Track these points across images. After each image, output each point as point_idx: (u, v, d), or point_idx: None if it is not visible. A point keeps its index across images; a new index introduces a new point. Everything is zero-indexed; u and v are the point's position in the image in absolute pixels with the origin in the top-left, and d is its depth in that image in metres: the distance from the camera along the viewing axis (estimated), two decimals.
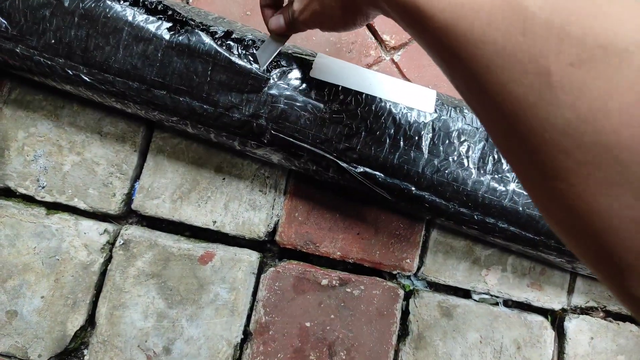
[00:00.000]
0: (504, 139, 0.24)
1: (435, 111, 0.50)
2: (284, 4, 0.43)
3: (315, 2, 0.37)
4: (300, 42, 0.61)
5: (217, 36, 0.48)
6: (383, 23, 0.61)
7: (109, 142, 0.57)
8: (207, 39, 0.48)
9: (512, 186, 0.48)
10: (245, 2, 0.61)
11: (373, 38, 0.62)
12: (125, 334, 0.54)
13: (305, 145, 0.49)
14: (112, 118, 0.58)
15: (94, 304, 0.56)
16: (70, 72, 0.49)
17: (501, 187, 0.48)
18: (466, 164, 0.49)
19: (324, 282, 0.56)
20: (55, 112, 0.58)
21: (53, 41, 0.49)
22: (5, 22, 0.49)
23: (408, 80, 0.60)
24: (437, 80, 0.60)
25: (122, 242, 0.56)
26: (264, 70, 0.48)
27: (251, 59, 0.48)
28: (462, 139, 0.49)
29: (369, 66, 0.60)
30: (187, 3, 0.61)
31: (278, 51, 0.46)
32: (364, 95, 0.49)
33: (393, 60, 0.61)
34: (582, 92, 0.19)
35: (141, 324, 0.55)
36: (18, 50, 0.50)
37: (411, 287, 0.57)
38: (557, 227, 0.23)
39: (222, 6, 0.61)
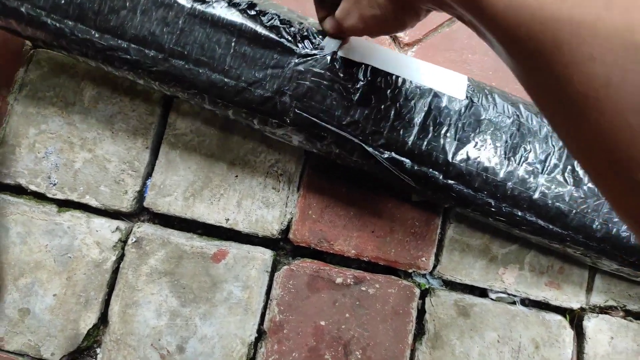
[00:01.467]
0: (575, 134, 0.22)
1: (467, 97, 0.47)
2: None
3: (359, 5, 0.34)
4: None
5: (240, 7, 0.45)
6: None
7: (121, 138, 0.57)
8: (232, 8, 0.45)
9: (542, 179, 0.47)
10: None
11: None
12: (138, 333, 0.54)
13: (330, 127, 0.46)
14: (123, 115, 0.57)
15: (107, 302, 0.55)
16: (81, 36, 0.46)
17: (531, 179, 0.47)
18: (497, 154, 0.47)
19: (339, 280, 0.55)
20: (66, 108, 0.57)
21: (62, 1, 0.45)
22: None
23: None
24: None
25: (134, 239, 0.56)
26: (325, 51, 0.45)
27: (277, 31, 0.46)
28: (493, 128, 0.47)
29: None
30: None
31: (339, 46, 0.45)
32: (393, 77, 0.46)
33: None
34: None
35: (154, 323, 0.54)
36: (23, 10, 0.45)
37: (427, 286, 0.56)
38: (634, 225, 0.21)
39: None
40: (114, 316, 0.55)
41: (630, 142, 0.18)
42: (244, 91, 0.46)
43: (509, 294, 0.56)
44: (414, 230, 0.56)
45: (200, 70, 0.46)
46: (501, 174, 0.47)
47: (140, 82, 0.50)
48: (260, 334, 0.55)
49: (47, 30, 0.46)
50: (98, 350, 0.55)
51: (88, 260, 0.55)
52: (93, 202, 0.56)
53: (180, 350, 0.54)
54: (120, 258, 0.56)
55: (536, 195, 0.47)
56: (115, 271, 0.56)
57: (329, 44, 0.45)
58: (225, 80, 0.46)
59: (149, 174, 0.57)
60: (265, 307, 0.55)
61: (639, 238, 0.22)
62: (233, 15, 0.45)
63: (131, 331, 0.54)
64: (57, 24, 0.46)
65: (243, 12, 0.46)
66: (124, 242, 0.56)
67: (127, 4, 0.45)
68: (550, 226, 0.48)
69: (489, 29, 0.25)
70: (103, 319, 0.55)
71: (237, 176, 0.57)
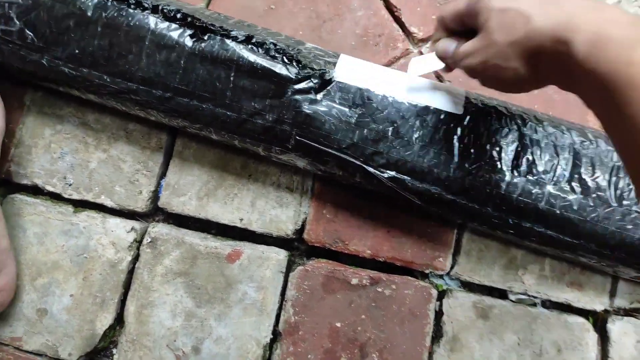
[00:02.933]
0: None
1: (466, 111, 0.47)
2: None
3: (488, 52, 0.33)
4: (325, 34, 0.59)
5: (238, 40, 0.48)
6: (410, 14, 0.59)
7: (135, 138, 0.57)
8: (229, 44, 0.47)
9: (549, 188, 0.46)
10: None
11: (400, 30, 0.59)
12: (154, 333, 0.54)
13: (331, 151, 0.47)
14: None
15: (122, 303, 0.55)
16: (95, 82, 0.49)
17: (537, 190, 0.46)
18: (499, 166, 0.46)
19: (354, 281, 0.54)
20: (81, 108, 0.57)
21: (77, 51, 0.49)
22: (32, 34, 0.49)
23: (437, 73, 0.57)
24: None
25: (149, 240, 0.56)
26: (411, 74, 0.46)
27: (273, 62, 0.47)
28: (493, 140, 0.47)
29: (396, 59, 0.58)
30: (207, 7, 0.59)
31: (433, 70, 0.44)
32: (389, 97, 0.47)
33: (421, 53, 0.58)
34: None
35: (169, 323, 0.54)
36: (44, 62, 0.50)
37: (444, 287, 0.55)
38: None
39: (245, 0, 0.59)
40: (130, 316, 0.55)
41: None
42: (246, 122, 0.48)
43: (529, 296, 0.55)
44: (431, 230, 0.55)
45: (204, 106, 0.48)
46: (505, 186, 0.46)
47: (151, 118, 0.53)
48: (276, 335, 0.54)
49: (65, 77, 0.50)
50: (114, 350, 0.55)
51: (104, 260, 0.55)
52: (108, 202, 0.56)
53: (195, 351, 0.53)
54: (136, 258, 0.56)
55: (543, 206, 0.46)
56: (131, 271, 0.56)
57: (421, 63, 0.45)
58: (228, 113, 0.48)
59: (163, 174, 0.57)
60: (280, 308, 0.55)
61: None
62: (231, 51, 0.47)
63: (147, 332, 0.54)
64: (74, 72, 0.50)
65: (240, 45, 0.47)
66: (139, 242, 0.56)
67: (133, 48, 0.48)
68: (561, 236, 0.47)
69: (575, 67, 0.27)
70: (119, 320, 0.55)
71: (250, 175, 0.56)
